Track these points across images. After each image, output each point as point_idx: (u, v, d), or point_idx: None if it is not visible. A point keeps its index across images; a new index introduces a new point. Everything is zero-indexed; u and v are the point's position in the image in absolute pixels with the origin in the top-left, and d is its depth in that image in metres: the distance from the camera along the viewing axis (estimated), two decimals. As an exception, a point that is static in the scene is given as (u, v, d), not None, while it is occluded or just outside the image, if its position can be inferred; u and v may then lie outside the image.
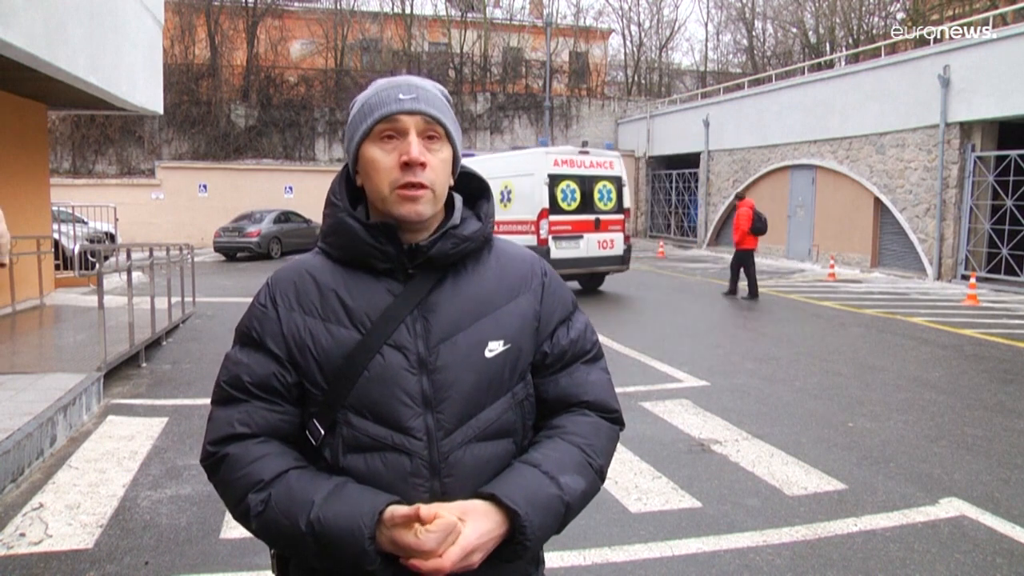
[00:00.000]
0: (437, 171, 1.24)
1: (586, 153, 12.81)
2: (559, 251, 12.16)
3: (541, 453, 1.24)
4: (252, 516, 1.17)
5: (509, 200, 12.72)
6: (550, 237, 12.12)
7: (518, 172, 12.65)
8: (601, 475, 1.29)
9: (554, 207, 12.11)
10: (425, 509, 1.09)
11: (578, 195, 12.41)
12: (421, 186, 1.21)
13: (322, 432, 1.22)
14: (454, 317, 1.25)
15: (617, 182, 12.97)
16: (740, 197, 13.15)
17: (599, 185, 12.69)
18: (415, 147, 1.21)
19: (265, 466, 1.18)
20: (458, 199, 1.34)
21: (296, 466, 1.20)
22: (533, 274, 1.35)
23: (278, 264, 1.45)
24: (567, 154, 12.68)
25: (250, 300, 1.34)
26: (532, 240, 12.05)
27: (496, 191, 12.58)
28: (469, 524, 1.11)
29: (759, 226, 12.39)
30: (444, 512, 1.10)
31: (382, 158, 1.22)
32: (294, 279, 1.28)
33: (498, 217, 12.17)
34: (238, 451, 1.20)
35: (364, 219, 1.27)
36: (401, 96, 1.23)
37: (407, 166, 1.21)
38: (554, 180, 12.14)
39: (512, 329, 1.28)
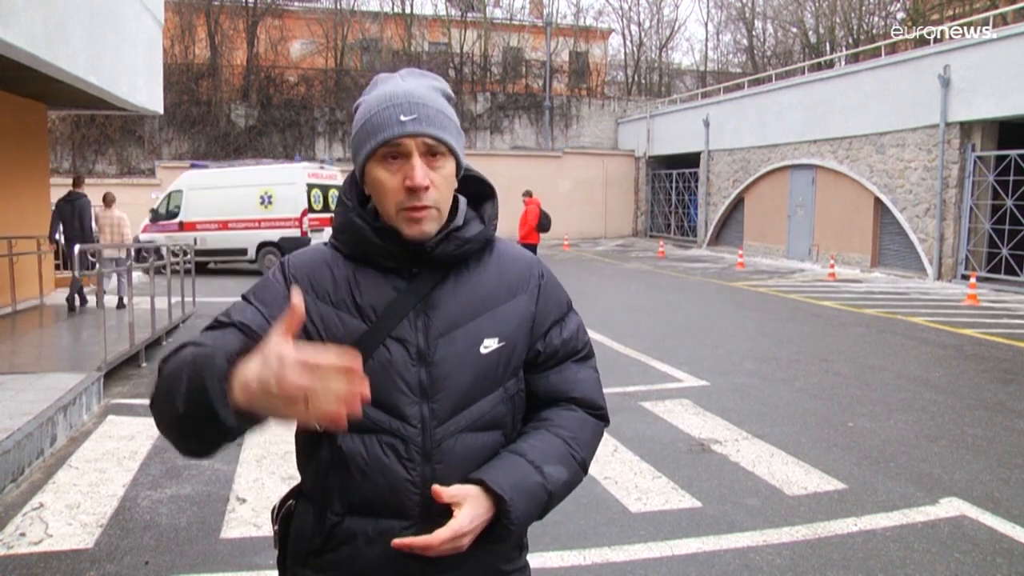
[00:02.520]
0: (441, 189, 1.27)
1: (323, 167, 17.62)
2: (315, 240, 15.80)
3: (528, 444, 1.31)
4: (162, 376, 1.11)
5: (271, 202, 16.56)
6: (310, 230, 16.23)
7: (279, 181, 16.57)
8: (584, 467, 1.35)
9: (310, 208, 16.36)
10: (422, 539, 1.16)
11: (321, 199, 16.77)
12: (426, 207, 1.25)
13: None
14: (453, 314, 1.30)
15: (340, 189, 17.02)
16: (528, 195, 13.84)
17: (331, 191, 17.05)
18: (419, 172, 1.23)
19: (193, 346, 1.15)
20: (462, 201, 1.38)
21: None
22: (531, 275, 1.40)
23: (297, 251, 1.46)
24: (314, 168, 17.25)
25: None
26: (296, 233, 16.23)
27: (256, 195, 16.58)
28: (464, 508, 1.18)
29: (544, 223, 13.30)
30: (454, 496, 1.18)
31: (387, 179, 1.26)
32: (310, 265, 1.34)
33: (263, 215, 16.53)
34: (187, 348, 1.15)
35: (372, 219, 1.32)
36: (402, 118, 1.24)
37: (411, 191, 1.24)
38: (309, 188, 16.41)
39: (508, 327, 1.33)
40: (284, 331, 0.98)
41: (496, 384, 1.32)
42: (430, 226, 1.27)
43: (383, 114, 1.26)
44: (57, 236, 10.14)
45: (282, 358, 0.94)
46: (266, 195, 16.56)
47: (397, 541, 1.17)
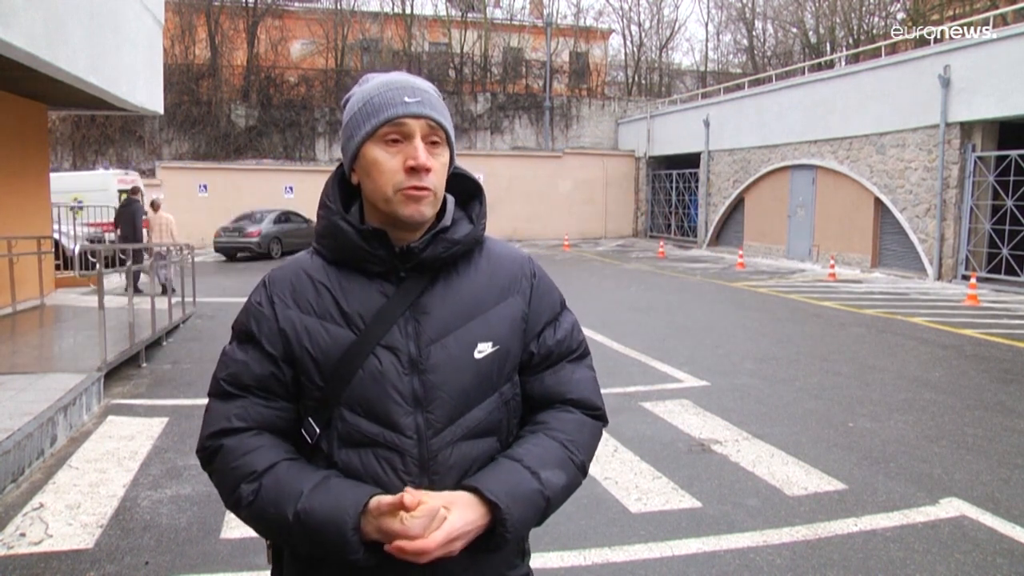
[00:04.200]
0: (439, 175, 1.26)
1: (127, 173, 18.75)
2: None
3: (524, 449, 1.28)
4: (243, 506, 1.22)
5: (82, 208, 16.90)
6: None
7: (90, 188, 17.54)
8: (583, 469, 1.33)
9: None
10: (409, 497, 1.13)
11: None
12: (426, 188, 1.23)
13: (317, 431, 1.26)
14: (445, 319, 1.27)
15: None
16: None
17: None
18: (422, 152, 1.23)
19: (257, 458, 1.23)
20: (450, 200, 1.35)
21: (287, 458, 1.24)
22: (523, 275, 1.37)
23: (278, 264, 1.47)
24: (120, 175, 18.48)
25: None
26: (112, 236, 16.37)
27: (68, 202, 17.05)
28: (454, 512, 1.16)
29: None
30: (428, 499, 1.15)
31: (387, 160, 1.24)
32: (291, 278, 1.31)
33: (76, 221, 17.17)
34: (232, 443, 1.24)
35: (358, 220, 1.29)
36: (407, 99, 1.24)
37: (413, 170, 1.23)
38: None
39: (501, 331, 1.30)
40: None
41: (491, 389, 1.29)
42: (428, 209, 1.25)
43: (386, 95, 1.25)
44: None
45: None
46: (77, 201, 16.95)
47: (392, 546, 1.13)
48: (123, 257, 10.45)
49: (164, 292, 10.35)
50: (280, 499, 1.18)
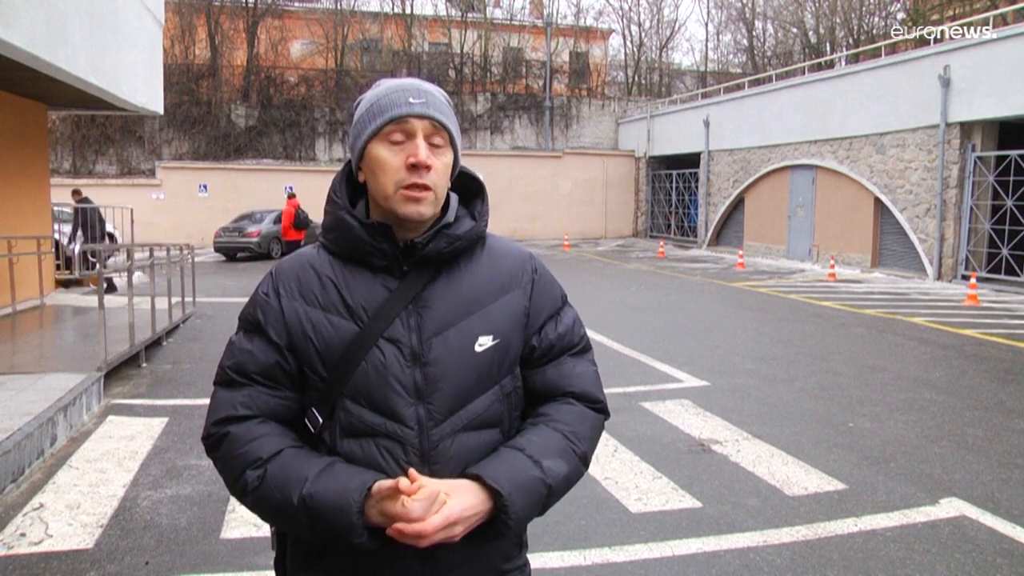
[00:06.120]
0: (440, 174, 1.29)
1: None
2: None
3: (526, 439, 1.30)
4: (248, 491, 1.23)
5: None
6: None
7: None
8: (584, 461, 1.34)
9: None
10: (406, 482, 1.15)
11: None
12: (425, 187, 1.26)
13: (321, 421, 1.28)
14: (446, 313, 1.30)
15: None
16: (291, 196, 16.20)
17: None
18: (423, 150, 1.26)
19: (263, 444, 1.25)
20: (453, 198, 1.39)
21: (292, 445, 1.27)
22: (524, 271, 1.40)
23: (285, 257, 1.48)
24: None
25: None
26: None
27: None
28: (454, 498, 1.17)
29: (299, 222, 15.73)
30: (429, 484, 1.17)
31: (390, 158, 1.27)
32: (296, 270, 1.34)
33: None
34: (239, 431, 1.27)
35: (363, 217, 1.32)
36: (412, 100, 1.28)
37: (414, 168, 1.26)
38: None
39: (502, 324, 1.33)
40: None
41: (492, 382, 1.31)
42: (427, 208, 1.28)
43: (392, 96, 1.29)
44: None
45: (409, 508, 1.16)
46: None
47: (392, 528, 1.15)
48: (94, 260, 10.66)
49: (111, 290, 10.56)
50: (285, 484, 1.20)
